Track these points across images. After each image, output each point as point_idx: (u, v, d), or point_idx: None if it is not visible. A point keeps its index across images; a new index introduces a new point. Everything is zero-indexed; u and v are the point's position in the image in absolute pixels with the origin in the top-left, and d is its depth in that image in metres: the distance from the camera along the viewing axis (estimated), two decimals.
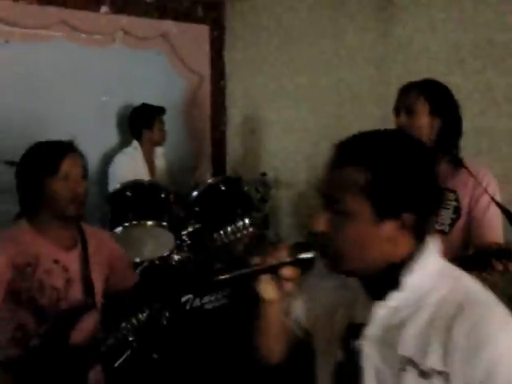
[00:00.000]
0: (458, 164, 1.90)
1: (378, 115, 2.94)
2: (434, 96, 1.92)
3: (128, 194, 2.86)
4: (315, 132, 3.41)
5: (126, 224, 2.81)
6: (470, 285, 1.00)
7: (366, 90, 3.15)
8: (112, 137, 3.72)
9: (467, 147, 2.32)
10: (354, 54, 3.25)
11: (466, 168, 1.86)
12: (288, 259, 1.06)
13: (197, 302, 2.85)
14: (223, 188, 2.94)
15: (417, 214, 0.97)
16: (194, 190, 3.09)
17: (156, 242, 2.88)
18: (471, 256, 1.73)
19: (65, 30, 3.36)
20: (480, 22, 2.67)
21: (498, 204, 1.79)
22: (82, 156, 1.85)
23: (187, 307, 2.82)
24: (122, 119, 3.72)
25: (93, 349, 1.85)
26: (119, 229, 2.77)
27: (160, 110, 3.51)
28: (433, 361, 0.95)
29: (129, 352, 2.44)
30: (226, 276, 1.11)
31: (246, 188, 3.05)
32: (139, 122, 3.49)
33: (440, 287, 1.00)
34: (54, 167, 1.76)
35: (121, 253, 2.10)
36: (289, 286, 1.07)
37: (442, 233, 1.86)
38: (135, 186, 2.93)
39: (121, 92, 3.68)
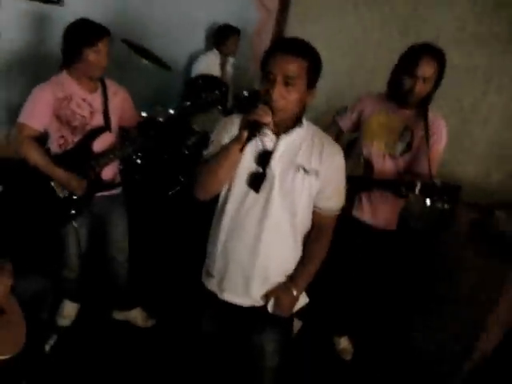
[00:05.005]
0: (424, 113, 1.88)
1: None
2: (442, 66, 1.84)
3: (200, 82, 3.21)
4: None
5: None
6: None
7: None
8: (199, 44, 3.98)
9: None
10: None
11: (427, 120, 1.85)
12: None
13: None
14: None
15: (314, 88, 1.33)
16: (246, 91, 3.45)
17: (212, 120, 2.98)
18: (391, 181, 1.91)
19: None
20: None
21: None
22: (111, 41, 1.96)
23: None
24: (208, 32, 3.97)
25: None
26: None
27: (235, 30, 3.73)
28: (313, 164, 1.34)
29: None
30: None
31: None
32: (220, 36, 3.73)
33: (312, 127, 1.40)
34: (93, 42, 1.88)
35: (129, 101, 2.19)
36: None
37: (393, 157, 1.97)
38: (205, 77, 3.26)
39: (209, 12, 3.83)
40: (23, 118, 1.95)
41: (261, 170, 1.34)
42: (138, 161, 2.96)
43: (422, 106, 1.90)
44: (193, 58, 3.80)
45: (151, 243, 2.95)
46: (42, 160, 1.96)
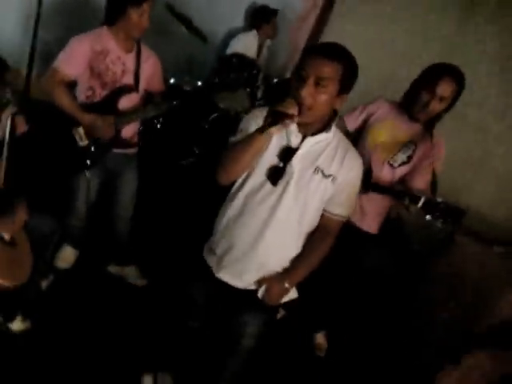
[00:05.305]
0: (430, 130, 1.92)
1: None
2: (461, 89, 1.84)
3: (233, 60, 3.22)
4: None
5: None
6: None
7: None
8: (239, 22, 3.93)
9: None
10: None
11: (431, 137, 1.91)
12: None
13: None
14: None
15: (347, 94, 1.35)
16: (276, 78, 3.50)
17: (237, 100, 2.95)
18: (396, 190, 1.91)
19: None
20: None
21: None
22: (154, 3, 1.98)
23: None
24: (248, 11, 3.93)
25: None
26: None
27: (275, 12, 3.70)
28: (332, 169, 1.39)
29: None
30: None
31: None
32: (259, 17, 3.73)
33: (339, 133, 1.43)
34: (139, 2, 1.91)
35: (159, 67, 2.23)
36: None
37: (392, 166, 2.00)
38: (239, 56, 3.26)
39: None
40: (58, 64, 2.00)
41: (281, 164, 1.37)
42: (158, 126, 3.00)
43: (430, 123, 1.93)
44: (231, 35, 3.79)
45: (157, 207, 3.01)
46: (72, 104, 2.02)
